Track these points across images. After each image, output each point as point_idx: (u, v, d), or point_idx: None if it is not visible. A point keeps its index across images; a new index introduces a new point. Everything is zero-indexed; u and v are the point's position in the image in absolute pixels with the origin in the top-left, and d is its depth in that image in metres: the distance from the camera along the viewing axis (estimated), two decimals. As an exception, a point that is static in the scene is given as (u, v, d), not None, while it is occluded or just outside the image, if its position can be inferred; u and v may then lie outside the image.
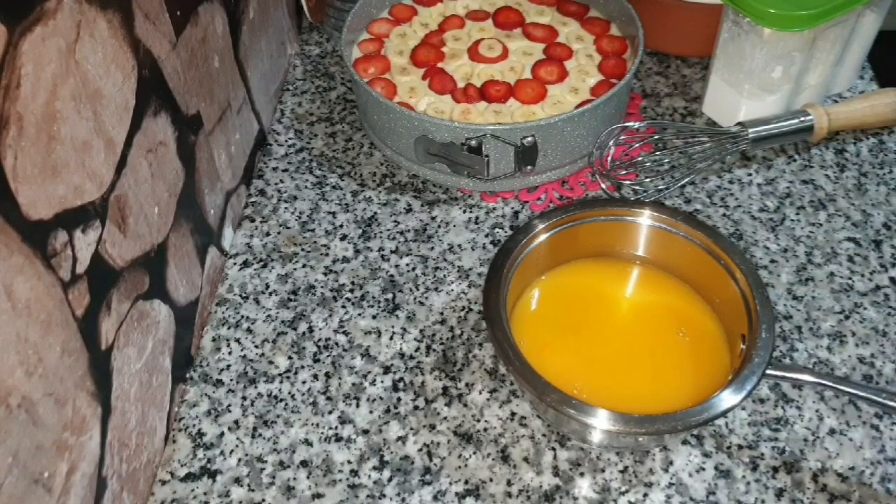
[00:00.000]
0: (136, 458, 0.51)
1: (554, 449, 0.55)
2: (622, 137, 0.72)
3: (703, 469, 0.54)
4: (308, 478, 0.54)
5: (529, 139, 0.65)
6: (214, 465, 0.55)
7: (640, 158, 0.72)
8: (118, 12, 0.47)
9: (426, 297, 0.64)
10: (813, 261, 0.66)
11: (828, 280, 0.64)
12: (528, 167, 0.68)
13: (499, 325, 0.54)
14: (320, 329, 0.62)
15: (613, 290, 0.63)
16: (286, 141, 0.78)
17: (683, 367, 0.57)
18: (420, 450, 0.55)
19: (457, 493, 0.53)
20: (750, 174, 0.73)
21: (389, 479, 0.54)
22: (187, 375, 0.60)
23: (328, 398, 0.58)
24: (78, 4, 0.42)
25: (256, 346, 0.61)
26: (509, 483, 0.53)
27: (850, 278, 0.64)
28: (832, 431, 0.55)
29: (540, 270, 0.62)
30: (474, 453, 0.55)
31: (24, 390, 0.39)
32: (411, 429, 0.56)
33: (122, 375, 0.49)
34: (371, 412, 0.57)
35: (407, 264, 0.67)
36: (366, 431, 0.56)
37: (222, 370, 0.60)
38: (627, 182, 0.71)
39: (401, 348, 0.61)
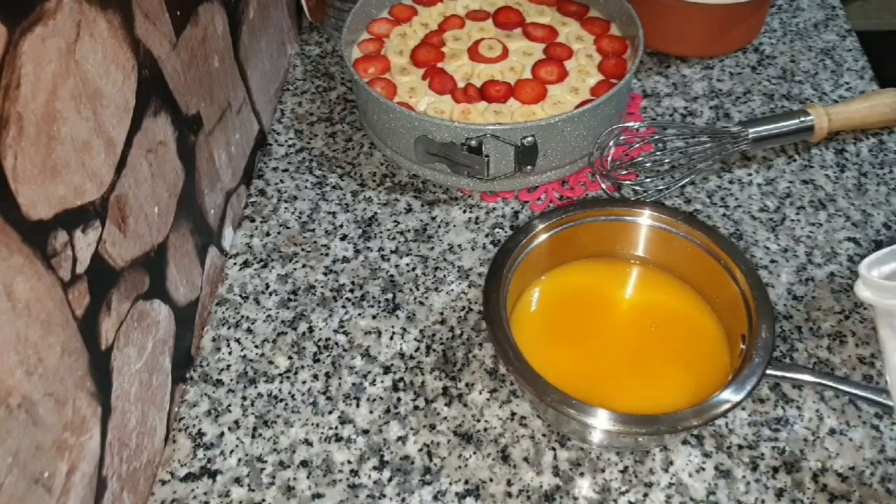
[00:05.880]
0: (136, 458, 0.51)
1: (554, 449, 0.55)
2: (622, 137, 0.72)
3: (703, 469, 0.54)
4: (308, 478, 0.54)
5: (529, 139, 0.65)
6: (214, 465, 0.55)
7: (640, 158, 0.72)
8: (118, 12, 0.47)
9: (426, 297, 0.64)
10: (813, 261, 0.66)
11: (828, 280, 0.64)
12: (528, 167, 0.68)
13: (499, 325, 0.54)
14: (320, 329, 0.62)
15: (613, 290, 0.63)
16: (286, 141, 0.78)
17: (683, 367, 0.57)
18: (420, 450, 0.55)
19: (457, 493, 0.53)
20: (750, 174, 0.73)
21: (389, 479, 0.54)
22: (187, 375, 0.60)
23: (328, 398, 0.58)
24: (78, 4, 0.42)
25: (256, 346, 0.61)
26: (509, 483, 0.53)
27: (850, 278, 0.64)
28: (832, 431, 0.55)
29: (540, 270, 0.62)
30: (474, 453, 0.55)
31: (24, 390, 0.39)
32: (411, 429, 0.56)
33: (122, 375, 0.49)
34: (371, 412, 0.57)
35: (407, 264, 0.67)
36: (366, 431, 0.56)
37: (222, 370, 0.60)
38: (627, 182, 0.71)
39: (401, 348, 0.61)
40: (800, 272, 0.65)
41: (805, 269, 0.65)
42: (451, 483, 0.53)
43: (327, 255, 0.68)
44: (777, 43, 0.87)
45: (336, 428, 0.57)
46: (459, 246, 0.68)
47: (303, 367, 0.60)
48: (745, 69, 0.84)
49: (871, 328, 0.61)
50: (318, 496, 0.53)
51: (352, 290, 0.65)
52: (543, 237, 0.60)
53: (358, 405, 0.58)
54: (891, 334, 0.48)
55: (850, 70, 0.83)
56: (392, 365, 0.60)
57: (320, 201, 0.72)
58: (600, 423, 0.49)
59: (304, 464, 0.55)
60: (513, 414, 0.57)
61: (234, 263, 0.67)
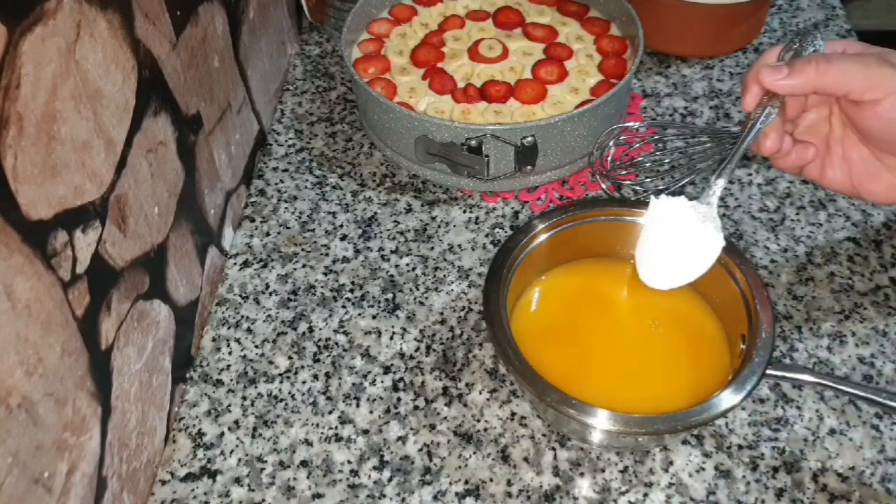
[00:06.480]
0: (136, 458, 0.51)
1: (554, 449, 0.55)
2: (622, 137, 0.72)
3: (703, 469, 0.54)
4: (308, 478, 0.54)
5: (529, 139, 0.65)
6: (214, 465, 0.55)
7: (640, 158, 0.72)
8: (118, 12, 0.47)
9: (426, 297, 0.64)
10: (813, 261, 0.66)
11: (828, 280, 0.64)
12: (528, 167, 0.68)
13: (499, 325, 0.54)
14: (320, 329, 0.62)
15: (613, 290, 0.63)
16: (286, 141, 0.78)
17: (683, 367, 0.57)
18: (420, 450, 0.55)
19: (457, 493, 0.53)
20: (750, 174, 0.73)
21: (389, 479, 0.54)
22: (187, 375, 0.60)
23: (328, 398, 0.58)
24: (78, 4, 0.42)
25: (256, 346, 0.61)
26: (509, 483, 0.53)
27: (850, 278, 0.64)
28: (832, 431, 0.55)
29: (540, 270, 0.62)
30: (474, 453, 0.55)
31: (24, 390, 0.39)
32: (411, 429, 0.56)
33: (122, 375, 0.49)
34: (371, 412, 0.57)
35: (407, 264, 0.67)
36: (366, 431, 0.56)
37: (222, 370, 0.60)
38: (627, 182, 0.71)
39: (401, 348, 0.61)
40: (800, 272, 0.65)
41: (805, 269, 0.65)
42: (451, 483, 0.53)
43: (327, 255, 0.68)
44: (777, 43, 0.87)
45: (336, 428, 0.57)
46: (459, 246, 0.68)
47: (303, 367, 0.60)
48: (745, 69, 0.84)
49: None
50: (318, 496, 0.53)
51: (352, 290, 0.65)
52: (543, 237, 0.60)
53: (358, 405, 0.58)
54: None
55: (850, 70, 0.83)
56: (392, 365, 0.60)
57: (320, 201, 0.72)
58: (600, 423, 0.49)
59: (304, 464, 0.55)
60: (513, 414, 0.57)
61: (234, 263, 0.67)
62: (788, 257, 0.66)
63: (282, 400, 0.58)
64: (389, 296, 0.64)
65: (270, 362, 0.61)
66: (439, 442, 0.55)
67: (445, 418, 0.57)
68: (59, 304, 0.42)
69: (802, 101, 0.54)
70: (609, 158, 0.70)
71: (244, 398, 0.58)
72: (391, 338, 0.62)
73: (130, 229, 0.50)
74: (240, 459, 0.55)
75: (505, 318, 0.54)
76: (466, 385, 0.59)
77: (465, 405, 0.57)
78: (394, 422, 0.57)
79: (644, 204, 0.61)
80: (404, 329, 0.62)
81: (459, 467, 0.54)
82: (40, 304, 0.40)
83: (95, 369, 0.45)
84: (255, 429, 0.57)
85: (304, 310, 0.64)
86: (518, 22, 0.79)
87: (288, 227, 0.70)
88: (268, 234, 0.69)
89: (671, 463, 0.54)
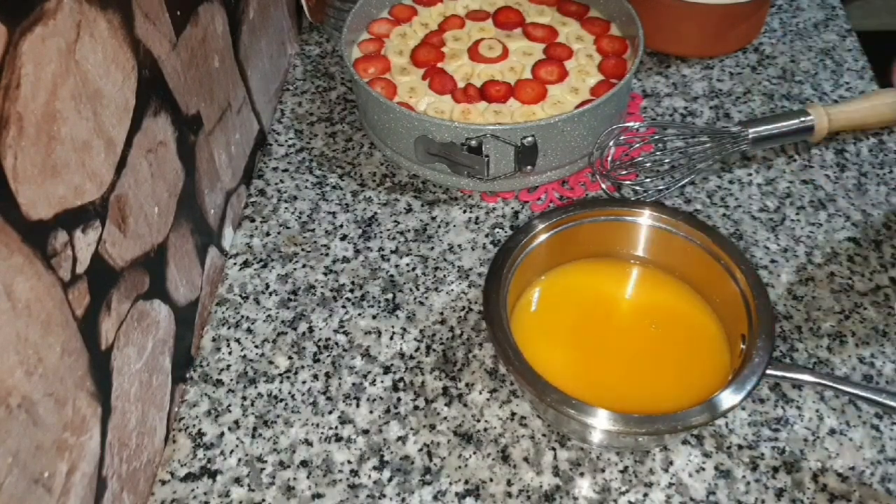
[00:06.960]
0: (136, 458, 0.51)
1: (554, 449, 0.55)
2: (622, 137, 0.72)
3: (703, 469, 0.54)
4: (308, 478, 0.54)
5: (529, 139, 0.65)
6: (214, 465, 0.55)
7: (640, 158, 0.72)
8: (118, 12, 0.47)
9: (426, 297, 0.64)
10: (813, 261, 0.66)
11: (828, 280, 0.64)
12: (528, 167, 0.68)
13: (499, 325, 0.54)
14: (320, 329, 0.62)
15: (613, 290, 0.63)
16: (286, 141, 0.78)
17: (684, 367, 0.57)
18: (420, 450, 0.55)
19: (457, 493, 0.53)
20: (750, 174, 0.73)
21: (389, 479, 0.54)
22: (187, 375, 0.60)
23: (328, 398, 0.58)
24: (78, 4, 0.42)
25: (256, 346, 0.61)
26: (509, 483, 0.53)
27: (850, 278, 0.64)
28: (832, 431, 0.55)
29: (540, 270, 0.62)
30: (474, 453, 0.55)
31: (24, 390, 0.39)
32: (411, 429, 0.56)
33: (122, 375, 0.49)
34: (371, 412, 0.57)
35: (407, 264, 0.67)
36: (366, 431, 0.56)
37: (222, 370, 0.60)
38: (627, 182, 0.71)
39: (401, 348, 0.61)
40: (800, 272, 0.65)
41: (805, 269, 0.65)
42: (451, 483, 0.53)
43: (327, 255, 0.68)
44: (777, 43, 0.87)
45: (336, 428, 0.57)
46: (459, 246, 0.68)
47: (303, 367, 0.60)
48: (745, 69, 0.84)
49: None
50: (318, 496, 0.53)
51: (352, 290, 0.65)
52: (543, 237, 0.60)
53: (358, 405, 0.58)
54: None
55: (850, 70, 0.83)
56: (392, 365, 0.60)
57: (320, 201, 0.72)
58: (600, 423, 0.49)
59: (304, 464, 0.55)
60: (513, 414, 0.57)
61: (234, 263, 0.67)
62: (788, 257, 0.66)
63: (282, 400, 0.58)
64: (389, 296, 0.64)
65: (270, 362, 0.61)
66: (439, 442, 0.55)
67: (445, 418, 0.57)
68: (59, 304, 0.42)
69: None
70: (609, 158, 0.70)
71: (244, 398, 0.58)
72: (391, 338, 0.62)
73: (130, 229, 0.50)
74: (240, 459, 0.55)
75: (505, 318, 0.54)
76: (466, 385, 0.59)
77: (465, 405, 0.57)
78: (394, 422, 0.57)
79: (644, 204, 0.62)
80: (404, 329, 0.62)
81: (459, 467, 0.54)
82: (40, 304, 0.40)
83: (95, 369, 0.45)
84: (255, 429, 0.57)
85: (304, 310, 0.64)
86: (518, 22, 0.79)
87: (288, 227, 0.70)
88: (268, 234, 0.69)
89: (671, 463, 0.54)
